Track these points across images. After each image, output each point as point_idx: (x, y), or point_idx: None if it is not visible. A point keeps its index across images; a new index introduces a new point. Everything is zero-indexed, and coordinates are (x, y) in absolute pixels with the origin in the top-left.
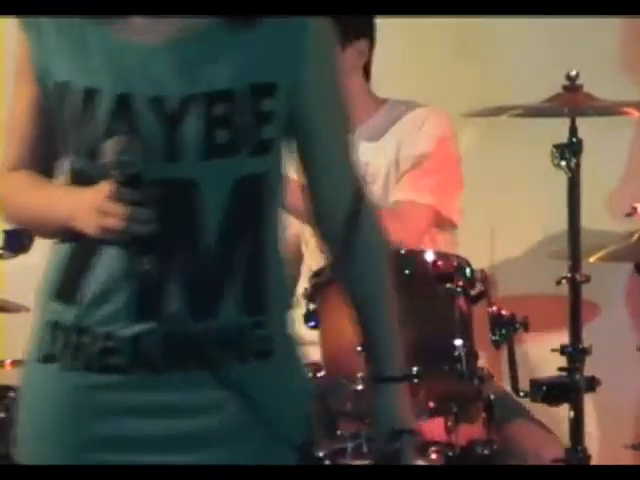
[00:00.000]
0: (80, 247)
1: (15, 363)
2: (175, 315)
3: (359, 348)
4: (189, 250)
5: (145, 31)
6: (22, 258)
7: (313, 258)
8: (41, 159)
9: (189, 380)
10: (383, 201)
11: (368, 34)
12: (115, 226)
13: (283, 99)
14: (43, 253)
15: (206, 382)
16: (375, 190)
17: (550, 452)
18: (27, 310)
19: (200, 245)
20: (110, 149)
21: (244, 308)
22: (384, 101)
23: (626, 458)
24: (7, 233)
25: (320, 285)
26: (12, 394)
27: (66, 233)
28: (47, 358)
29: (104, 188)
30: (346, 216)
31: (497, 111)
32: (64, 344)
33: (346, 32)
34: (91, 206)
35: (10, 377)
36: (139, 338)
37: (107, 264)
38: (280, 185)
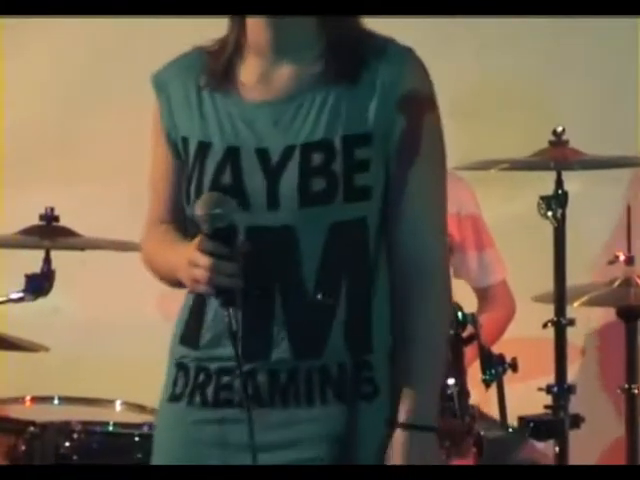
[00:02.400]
0: (198, 296)
1: (34, 400)
2: (280, 356)
3: None
4: (291, 293)
5: (250, 90)
6: (41, 301)
7: None
8: (179, 211)
9: (290, 416)
10: None
11: None
12: (200, 278)
13: (379, 148)
14: (60, 296)
15: (305, 419)
16: None
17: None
18: (46, 349)
19: (301, 289)
20: (203, 203)
21: (347, 349)
22: None
23: None
24: (28, 277)
25: None
26: (32, 429)
27: (179, 284)
28: (172, 398)
29: (197, 241)
30: (419, 286)
31: (486, 165)
32: (185, 384)
33: None
34: (185, 258)
35: (30, 413)
36: (248, 375)
37: (218, 311)
38: (378, 229)
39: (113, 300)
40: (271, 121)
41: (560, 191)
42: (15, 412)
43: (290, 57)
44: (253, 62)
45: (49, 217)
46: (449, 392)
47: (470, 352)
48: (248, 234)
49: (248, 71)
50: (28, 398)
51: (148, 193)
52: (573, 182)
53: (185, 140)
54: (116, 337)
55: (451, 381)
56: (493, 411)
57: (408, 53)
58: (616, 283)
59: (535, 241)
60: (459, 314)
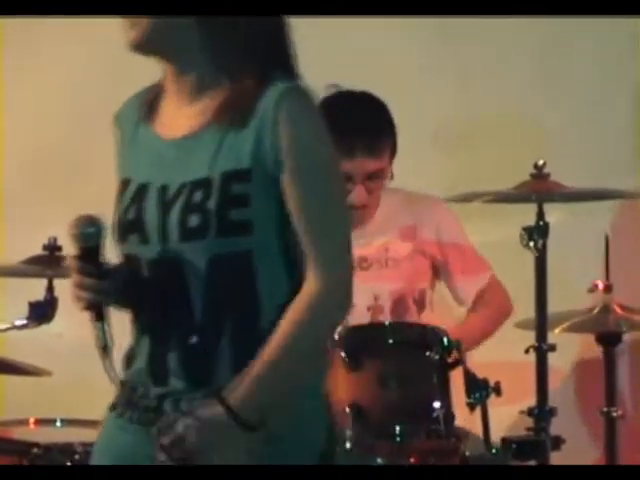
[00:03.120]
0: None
1: (38, 422)
2: (176, 386)
3: (347, 410)
4: (182, 325)
5: (165, 128)
6: (45, 327)
7: None
8: None
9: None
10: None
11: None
12: (74, 295)
13: (261, 183)
14: (63, 323)
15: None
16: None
17: None
18: (49, 374)
19: (190, 319)
20: (73, 223)
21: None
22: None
23: None
24: (32, 305)
25: None
26: (35, 450)
27: None
28: (111, 407)
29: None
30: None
31: (470, 197)
32: (120, 397)
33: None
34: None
35: (33, 435)
36: (158, 400)
37: (134, 335)
38: (271, 261)
39: (113, 326)
40: (175, 159)
41: (541, 222)
42: (19, 434)
43: (192, 100)
44: (169, 102)
45: (52, 247)
46: (435, 415)
47: (455, 376)
48: (148, 266)
49: (165, 110)
50: (32, 420)
51: None
52: (554, 214)
53: (124, 181)
54: (116, 361)
55: (437, 404)
56: (478, 432)
57: (287, 95)
58: (595, 310)
59: (518, 270)
60: (444, 340)
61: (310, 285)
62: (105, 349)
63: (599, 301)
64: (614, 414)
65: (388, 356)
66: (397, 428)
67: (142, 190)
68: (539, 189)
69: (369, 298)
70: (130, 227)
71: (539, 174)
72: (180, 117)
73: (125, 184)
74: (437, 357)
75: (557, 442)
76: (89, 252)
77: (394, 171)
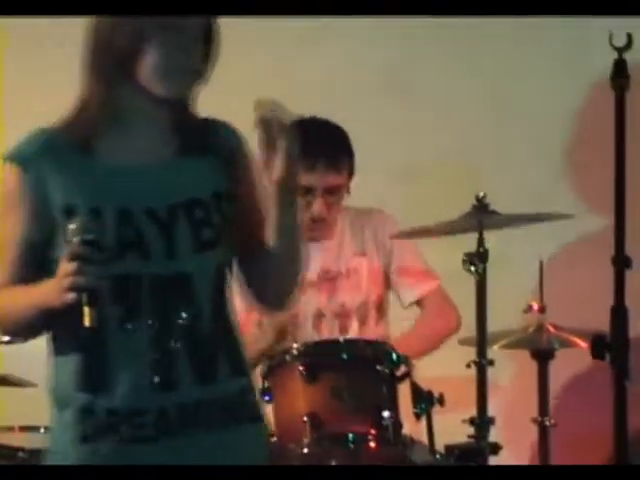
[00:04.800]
0: (88, 351)
1: (22, 429)
2: (186, 388)
3: (305, 418)
4: (190, 329)
5: (127, 154)
6: (30, 342)
7: (265, 340)
8: (33, 270)
9: (199, 442)
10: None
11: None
12: (69, 283)
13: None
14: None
15: (213, 444)
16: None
17: None
18: (33, 385)
19: (200, 323)
20: (76, 220)
21: (232, 375)
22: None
23: None
24: None
25: (273, 367)
26: (21, 454)
27: (44, 317)
28: (83, 439)
29: (66, 252)
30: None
31: (417, 233)
32: (95, 427)
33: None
34: (53, 282)
35: (19, 440)
36: (159, 412)
37: (118, 358)
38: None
39: None
40: (148, 184)
41: (481, 249)
42: (5, 439)
43: (149, 131)
44: (117, 131)
45: None
46: (384, 423)
47: (403, 388)
48: (150, 281)
49: (113, 140)
50: (17, 427)
51: None
52: (493, 240)
53: (70, 207)
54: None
55: (386, 413)
56: (423, 440)
57: (236, 132)
58: (530, 329)
59: (461, 293)
60: (393, 355)
61: None
62: (93, 330)
63: (534, 321)
64: (547, 423)
65: (342, 370)
66: (350, 435)
67: (126, 214)
68: (478, 219)
69: (336, 307)
70: (128, 247)
71: (480, 205)
72: (137, 148)
73: (94, 212)
74: (387, 371)
75: (495, 448)
76: (89, 241)
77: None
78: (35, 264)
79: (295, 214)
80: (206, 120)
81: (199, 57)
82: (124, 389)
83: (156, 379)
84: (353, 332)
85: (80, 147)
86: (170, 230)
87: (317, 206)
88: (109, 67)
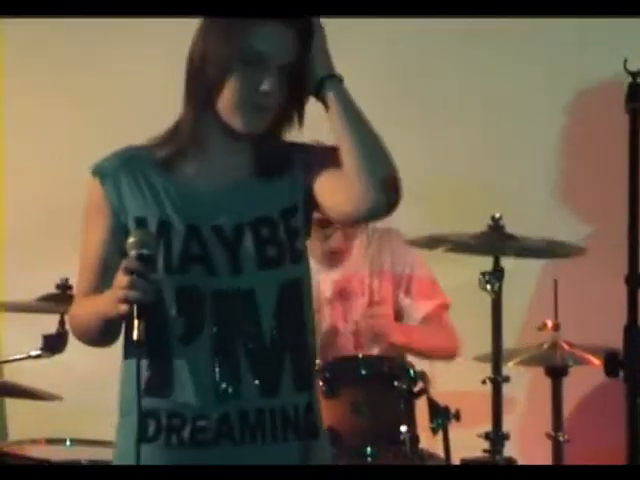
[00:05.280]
0: (152, 357)
1: (49, 441)
2: (249, 398)
3: None
4: (253, 344)
5: (204, 176)
6: (57, 357)
7: None
8: (111, 280)
9: (259, 452)
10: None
11: None
12: (121, 295)
13: (302, 217)
14: (73, 353)
15: (273, 455)
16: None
17: None
18: (59, 399)
19: (260, 339)
20: (135, 233)
21: (296, 390)
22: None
23: None
24: (45, 337)
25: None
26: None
27: (105, 326)
28: (145, 440)
29: (123, 264)
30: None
31: (432, 243)
32: (157, 429)
33: None
34: (112, 289)
35: (44, 453)
36: (221, 417)
37: (188, 366)
38: (310, 288)
39: (118, 356)
40: (218, 203)
41: (497, 268)
42: (32, 452)
43: (227, 155)
44: (197, 154)
45: (64, 286)
46: (402, 437)
47: (420, 404)
48: (213, 295)
49: (193, 163)
50: (43, 440)
51: (80, 269)
52: (509, 260)
53: (140, 219)
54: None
55: (404, 428)
56: (440, 454)
57: (310, 154)
58: (544, 346)
59: (477, 310)
60: (411, 371)
61: None
62: (140, 342)
63: (548, 338)
64: (560, 438)
65: (361, 386)
66: (368, 449)
67: (193, 230)
68: (494, 241)
69: (351, 325)
70: (193, 261)
71: (495, 226)
72: (215, 170)
73: (165, 226)
74: (404, 387)
75: (510, 463)
76: (144, 257)
77: None
78: (113, 274)
79: (357, 109)
80: (292, 145)
81: (283, 94)
82: (187, 395)
83: (220, 387)
84: (368, 349)
85: (160, 166)
86: (236, 248)
87: (335, 241)
88: (199, 95)
